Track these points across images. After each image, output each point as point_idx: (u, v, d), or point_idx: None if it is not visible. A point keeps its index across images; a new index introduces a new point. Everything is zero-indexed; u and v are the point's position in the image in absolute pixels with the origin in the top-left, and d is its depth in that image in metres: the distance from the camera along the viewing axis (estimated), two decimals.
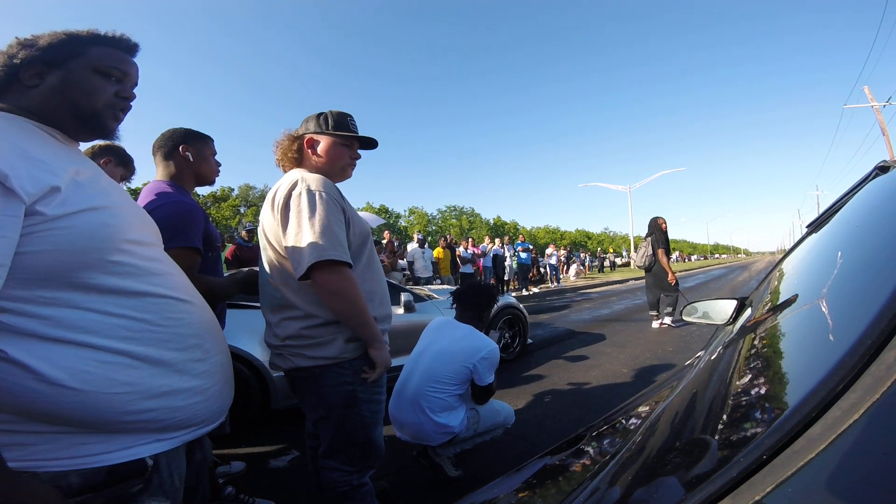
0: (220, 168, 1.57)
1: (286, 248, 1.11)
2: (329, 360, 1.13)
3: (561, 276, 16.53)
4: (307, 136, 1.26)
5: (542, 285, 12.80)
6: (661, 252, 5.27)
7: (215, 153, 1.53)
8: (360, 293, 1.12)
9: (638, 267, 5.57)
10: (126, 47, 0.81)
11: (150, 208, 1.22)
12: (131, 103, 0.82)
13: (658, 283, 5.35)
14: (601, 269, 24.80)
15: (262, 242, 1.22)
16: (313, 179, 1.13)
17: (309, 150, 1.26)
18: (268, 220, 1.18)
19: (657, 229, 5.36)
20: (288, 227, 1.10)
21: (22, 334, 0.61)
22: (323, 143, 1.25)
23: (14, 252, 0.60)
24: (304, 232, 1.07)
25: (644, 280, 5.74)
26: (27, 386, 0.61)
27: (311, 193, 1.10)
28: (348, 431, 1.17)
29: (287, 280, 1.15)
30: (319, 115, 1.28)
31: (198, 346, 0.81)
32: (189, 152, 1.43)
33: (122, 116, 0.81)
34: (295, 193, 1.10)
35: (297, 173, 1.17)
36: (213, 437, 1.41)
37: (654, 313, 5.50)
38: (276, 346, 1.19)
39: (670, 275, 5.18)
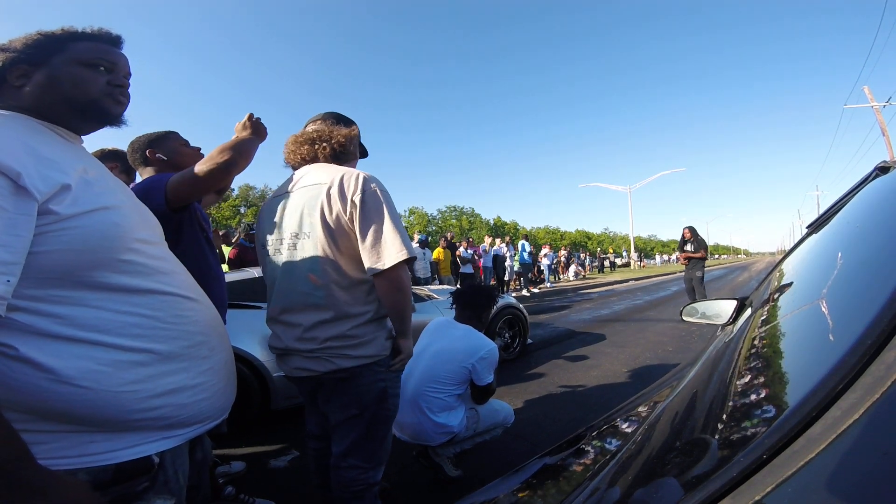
0: (200, 150, 1.56)
1: (363, 241, 1.10)
2: (370, 358, 1.14)
3: (561, 277, 16.57)
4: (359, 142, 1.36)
5: (541, 286, 12.81)
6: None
7: (184, 142, 1.54)
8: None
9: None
10: (108, 40, 0.81)
11: (137, 189, 1.23)
12: (128, 90, 0.82)
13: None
14: (601, 269, 24.81)
15: (314, 235, 1.13)
16: (373, 177, 1.16)
17: (356, 152, 1.36)
18: (333, 213, 1.11)
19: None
20: (370, 223, 1.10)
21: (35, 333, 0.62)
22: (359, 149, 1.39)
23: (28, 251, 0.60)
24: (386, 228, 1.10)
25: (691, 273, 6.98)
26: (39, 384, 0.61)
27: (384, 192, 1.15)
28: (375, 427, 1.19)
29: (338, 277, 1.12)
30: (352, 121, 1.38)
31: (204, 343, 0.82)
32: (160, 153, 1.45)
33: (125, 101, 0.81)
34: (370, 190, 1.12)
35: (349, 168, 1.20)
36: (212, 436, 1.41)
37: None
38: (313, 349, 1.12)
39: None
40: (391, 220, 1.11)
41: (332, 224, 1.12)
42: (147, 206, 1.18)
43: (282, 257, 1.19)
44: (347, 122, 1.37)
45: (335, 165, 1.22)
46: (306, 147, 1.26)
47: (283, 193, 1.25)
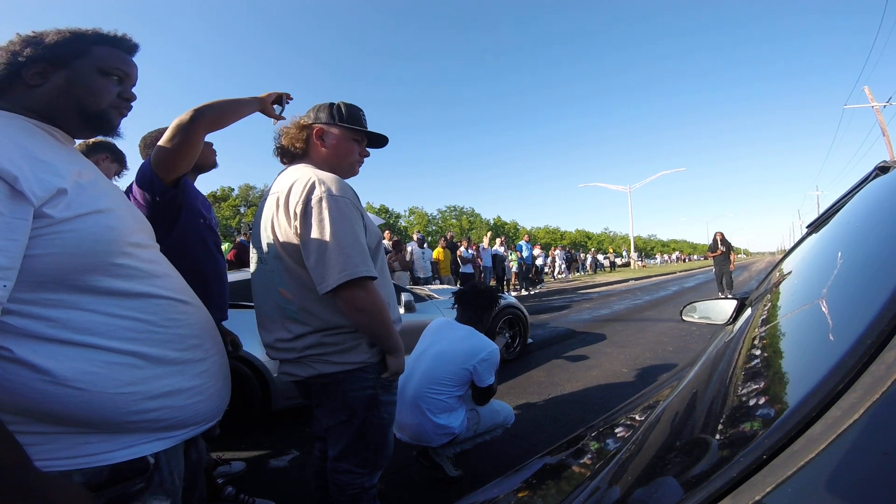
0: (213, 148, 1.55)
1: (307, 259, 1.01)
2: (356, 364, 1.09)
3: (556, 277, 16.67)
4: (317, 126, 1.18)
5: (539, 286, 12.81)
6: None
7: None
8: (385, 305, 1.07)
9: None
10: (127, 47, 0.81)
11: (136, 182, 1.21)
12: (132, 104, 0.82)
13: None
14: (596, 269, 24.78)
15: (273, 249, 1.10)
16: (332, 181, 1.04)
17: (318, 142, 1.18)
18: (281, 226, 1.06)
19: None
20: (310, 238, 1.00)
21: (29, 336, 0.61)
22: (334, 135, 1.18)
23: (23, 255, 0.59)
24: (329, 244, 0.98)
25: (723, 267, 8.78)
26: (33, 386, 0.61)
27: (333, 199, 1.01)
28: (367, 434, 1.14)
29: (305, 291, 1.06)
30: (331, 104, 1.20)
31: (198, 346, 0.82)
32: None
33: (127, 113, 0.82)
34: (315, 199, 1.00)
35: (309, 171, 1.07)
36: (207, 438, 1.41)
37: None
38: (293, 358, 1.11)
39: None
40: (335, 234, 0.98)
41: (283, 239, 1.06)
42: (150, 191, 1.16)
43: (258, 267, 1.18)
44: (313, 112, 1.21)
45: (304, 167, 1.13)
46: (283, 145, 1.20)
47: (265, 197, 1.20)
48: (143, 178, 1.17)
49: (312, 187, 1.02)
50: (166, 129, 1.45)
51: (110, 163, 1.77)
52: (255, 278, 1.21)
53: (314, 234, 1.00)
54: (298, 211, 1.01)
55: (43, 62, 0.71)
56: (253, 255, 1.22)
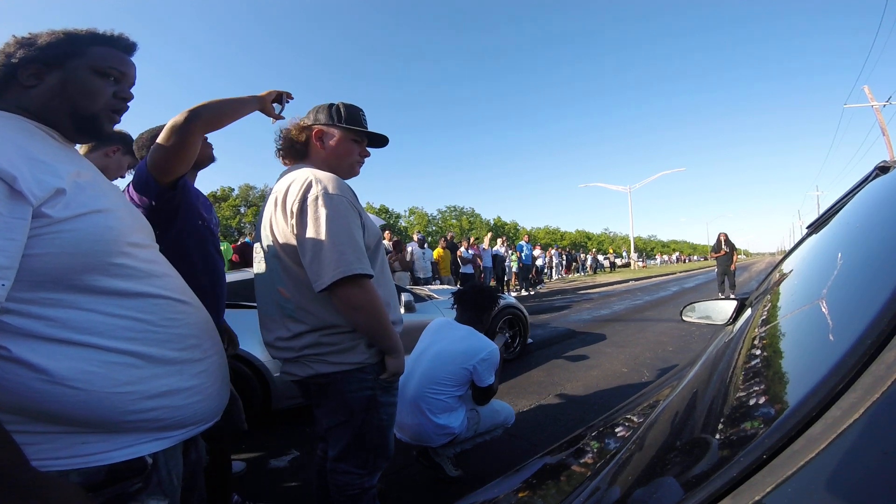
0: (209, 142, 1.53)
1: (303, 257, 1.03)
2: (353, 365, 1.09)
3: (554, 277, 16.72)
4: (316, 128, 1.19)
5: (539, 286, 12.80)
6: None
7: None
8: (382, 305, 1.07)
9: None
10: (124, 46, 0.80)
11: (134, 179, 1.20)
12: (128, 104, 0.82)
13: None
14: (596, 270, 24.76)
15: (272, 248, 1.12)
16: (328, 180, 1.05)
17: (317, 143, 1.19)
18: (279, 225, 1.08)
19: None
20: (306, 235, 1.01)
21: (27, 335, 0.61)
22: (333, 136, 1.20)
23: (21, 255, 0.60)
24: (324, 242, 0.99)
25: (725, 266, 8.98)
26: (32, 385, 0.61)
27: (329, 197, 1.02)
28: (366, 435, 1.14)
29: (302, 289, 1.07)
30: (331, 105, 1.21)
31: (197, 346, 0.82)
32: None
33: (119, 119, 0.81)
34: (311, 197, 1.02)
35: (307, 172, 1.09)
36: (236, 434, 1.39)
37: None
38: (292, 357, 1.11)
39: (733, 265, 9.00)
40: (330, 232, 0.99)
41: (281, 239, 1.07)
42: (146, 192, 1.16)
43: (260, 267, 1.19)
44: (313, 113, 1.23)
45: (303, 168, 1.14)
46: (283, 147, 1.22)
47: (266, 198, 1.21)
48: (139, 179, 1.17)
49: (309, 186, 1.03)
50: (160, 128, 1.45)
51: (122, 155, 1.74)
52: (257, 278, 1.22)
53: (310, 232, 1.01)
54: (295, 209, 1.03)
55: (37, 63, 0.71)
56: (256, 255, 1.23)
